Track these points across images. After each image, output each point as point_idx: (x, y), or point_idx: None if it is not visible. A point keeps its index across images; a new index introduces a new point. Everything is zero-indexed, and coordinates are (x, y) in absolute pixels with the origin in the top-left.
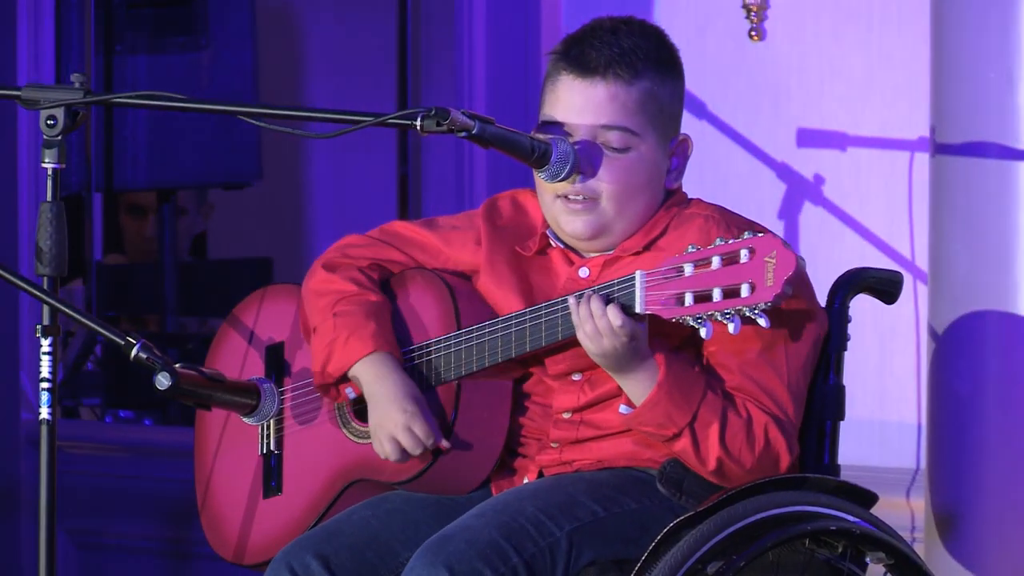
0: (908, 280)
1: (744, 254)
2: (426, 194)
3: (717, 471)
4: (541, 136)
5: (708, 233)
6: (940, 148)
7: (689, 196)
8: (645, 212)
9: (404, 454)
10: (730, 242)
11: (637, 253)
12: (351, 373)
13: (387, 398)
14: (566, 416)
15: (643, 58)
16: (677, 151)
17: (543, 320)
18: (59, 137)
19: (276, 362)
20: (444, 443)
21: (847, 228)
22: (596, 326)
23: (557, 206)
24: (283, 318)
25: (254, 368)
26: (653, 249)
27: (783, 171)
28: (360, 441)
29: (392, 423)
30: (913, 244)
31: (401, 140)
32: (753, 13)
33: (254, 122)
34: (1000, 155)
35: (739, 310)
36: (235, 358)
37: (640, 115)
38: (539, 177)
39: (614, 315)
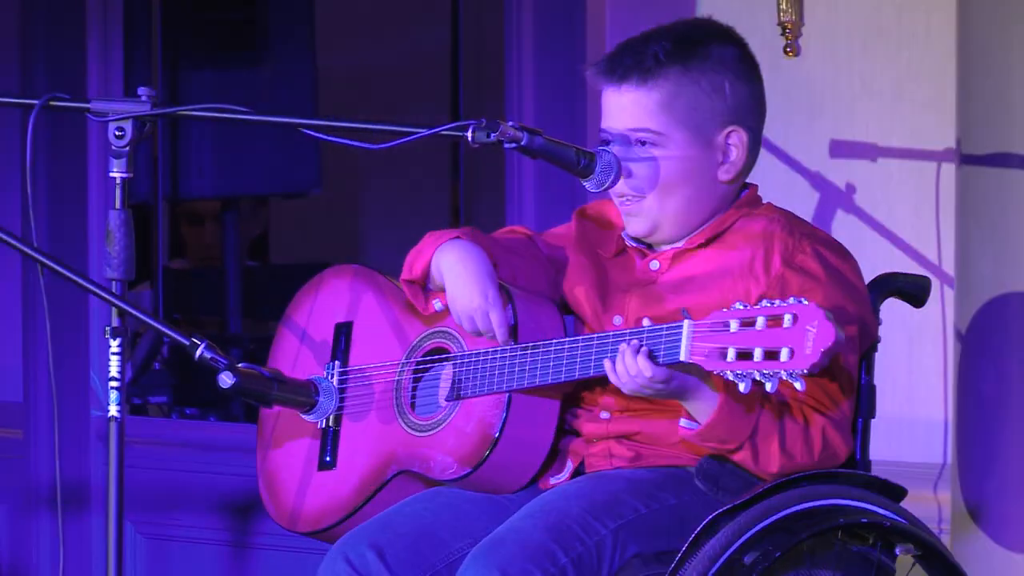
0: (935, 284)
1: (788, 319)
2: (476, 204)
3: (779, 475)
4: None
5: (771, 235)
6: (966, 159)
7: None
8: (697, 206)
9: (479, 332)
10: (776, 304)
11: (701, 246)
12: (434, 264)
13: (470, 277)
14: None
15: (664, 60)
16: (728, 143)
17: (593, 349)
18: (127, 148)
19: (345, 340)
20: (511, 343)
21: (877, 235)
22: (626, 369)
23: (622, 209)
24: (347, 298)
25: (323, 347)
26: (717, 243)
27: (817, 180)
28: (413, 432)
29: (472, 305)
30: (940, 250)
31: (453, 151)
32: (788, 30)
33: (312, 134)
34: (1023, 165)
35: (776, 373)
36: (302, 337)
37: (663, 115)
38: (586, 185)
39: (644, 367)
